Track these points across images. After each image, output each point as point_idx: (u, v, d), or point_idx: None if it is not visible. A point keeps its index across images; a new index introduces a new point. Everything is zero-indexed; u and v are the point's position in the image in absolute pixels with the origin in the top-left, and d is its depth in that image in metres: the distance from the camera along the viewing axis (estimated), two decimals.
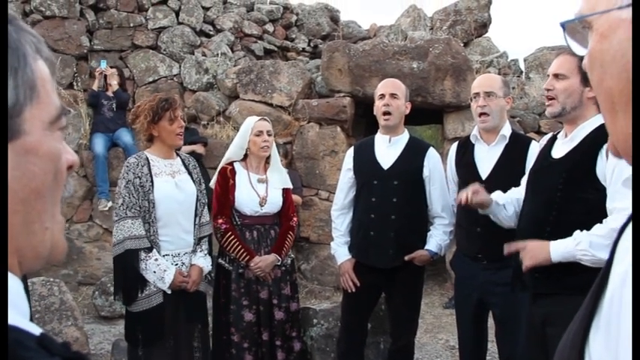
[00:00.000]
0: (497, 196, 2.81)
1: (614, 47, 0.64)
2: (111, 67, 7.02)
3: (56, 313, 4.07)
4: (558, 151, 2.53)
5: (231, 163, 3.57)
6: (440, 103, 6.60)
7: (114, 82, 6.83)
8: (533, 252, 2.38)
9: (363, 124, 7.32)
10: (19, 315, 0.56)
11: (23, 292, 0.60)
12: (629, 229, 0.66)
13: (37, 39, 0.63)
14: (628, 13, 0.63)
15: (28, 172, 0.60)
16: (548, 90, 2.52)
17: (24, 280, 2.81)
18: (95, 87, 6.77)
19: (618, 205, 2.17)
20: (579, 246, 2.26)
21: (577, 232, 2.30)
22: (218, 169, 3.59)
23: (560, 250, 2.32)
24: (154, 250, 3.10)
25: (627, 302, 0.60)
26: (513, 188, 2.85)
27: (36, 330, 0.57)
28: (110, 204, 6.29)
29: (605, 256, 2.21)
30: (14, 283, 0.59)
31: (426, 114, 6.91)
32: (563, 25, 0.76)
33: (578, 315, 0.72)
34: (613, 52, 0.64)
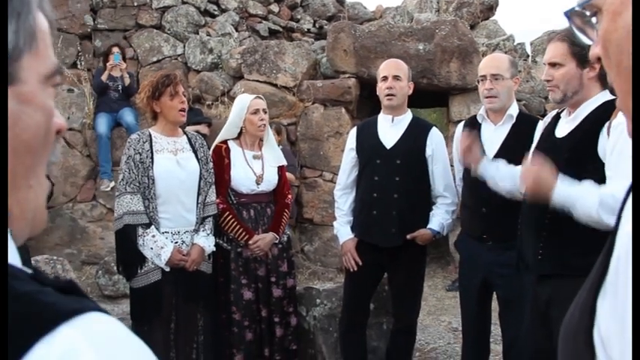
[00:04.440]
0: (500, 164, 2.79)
1: (628, 23, 0.62)
2: (114, 46, 6.95)
3: None
4: (561, 130, 2.50)
5: (225, 142, 3.54)
6: (445, 86, 6.56)
7: (126, 75, 6.78)
8: (538, 182, 2.23)
9: (368, 105, 7.28)
10: (13, 260, 0.56)
11: (15, 248, 0.59)
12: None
13: None
14: None
15: (21, 123, 0.58)
16: (547, 81, 2.50)
17: (28, 259, 2.76)
18: (104, 78, 6.69)
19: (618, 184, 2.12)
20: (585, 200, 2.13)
21: (587, 184, 2.17)
22: (212, 148, 3.55)
23: (562, 195, 2.18)
24: (152, 226, 3.08)
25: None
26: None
27: (28, 270, 0.57)
28: (112, 184, 6.28)
29: (609, 220, 2.13)
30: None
31: (432, 96, 6.87)
32: (567, 15, 0.73)
33: (587, 283, 0.70)
34: (629, 27, 0.62)
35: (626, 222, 0.62)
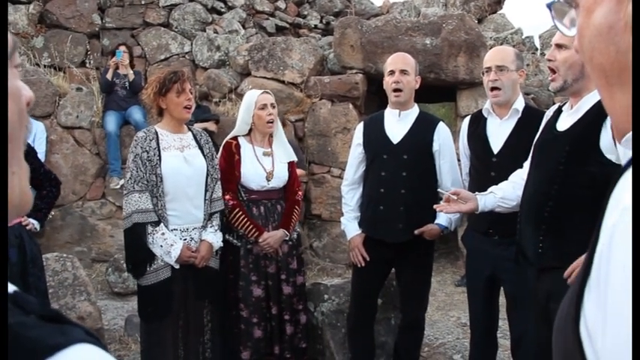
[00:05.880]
0: (493, 188, 2.79)
1: (599, 20, 0.63)
2: (121, 45, 6.93)
3: (69, 288, 4.09)
4: (563, 123, 2.48)
5: (235, 138, 3.54)
6: (453, 80, 6.52)
7: (130, 72, 6.75)
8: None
9: (375, 100, 7.26)
10: None
11: None
12: (620, 183, 0.63)
13: None
14: None
15: None
16: (549, 60, 2.47)
17: (39, 256, 2.73)
18: (109, 76, 6.68)
19: None
20: None
21: None
22: (222, 145, 3.55)
23: None
24: (161, 224, 3.08)
25: (615, 256, 0.57)
26: (517, 170, 2.81)
27: (10, 288, 0.55)
28: (122, 182, 6.30)
29: None
30: None
31: (439, 91, 6.84)
32: (549, 6, 0.74)
33: (576, 276, 0.70)
34: (598, 26, 0.63)
35: (609, 215, 0.62)
